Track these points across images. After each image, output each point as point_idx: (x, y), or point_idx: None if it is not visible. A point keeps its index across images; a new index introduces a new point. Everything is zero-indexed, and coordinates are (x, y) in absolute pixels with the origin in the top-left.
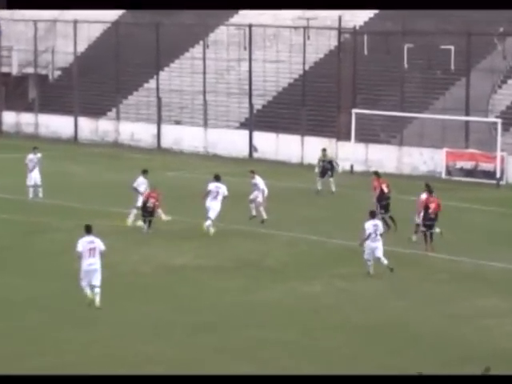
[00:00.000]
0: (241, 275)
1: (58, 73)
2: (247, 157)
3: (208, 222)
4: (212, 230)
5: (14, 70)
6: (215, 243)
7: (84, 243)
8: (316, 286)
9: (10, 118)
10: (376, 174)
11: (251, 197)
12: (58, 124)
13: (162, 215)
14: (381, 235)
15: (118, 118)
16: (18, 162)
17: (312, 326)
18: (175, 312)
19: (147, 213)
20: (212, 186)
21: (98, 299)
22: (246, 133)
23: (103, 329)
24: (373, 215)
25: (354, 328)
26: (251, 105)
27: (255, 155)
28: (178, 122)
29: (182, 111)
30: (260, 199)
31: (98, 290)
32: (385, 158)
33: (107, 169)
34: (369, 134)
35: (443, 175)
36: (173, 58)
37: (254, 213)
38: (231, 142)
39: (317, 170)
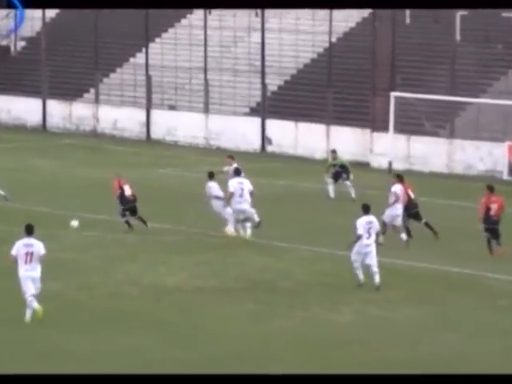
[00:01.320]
0: (250, 299)
1: (21, 44)
2: (259, 151)
3: (248, 225)
4: (249, 232)
5: None
6: (217, 259)
7: (20, 246)
8: (344, 314)
9: None
10: (398, 177)
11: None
12: (21, 108)
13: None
14: (377, 235)
15: (96, 102)
16: None
17: (339, 363)
18: (167, 345)
19: (130, 205)
20: (234, 183)
21: (35, 303)
22: (257, 121)
23: (75, 365)
24: (366, 210)
25: (392, 366)
26: (264, 86)
27: (269, 149)
28: (172, 107)
29: (178, 93)
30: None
31: (34, 299)
32: (431, 153)
33: (83, 164)
34: (411, 123)
35: (505, 175)
36: (166, 26)
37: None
38: (239, 132)
39: (327, 177)
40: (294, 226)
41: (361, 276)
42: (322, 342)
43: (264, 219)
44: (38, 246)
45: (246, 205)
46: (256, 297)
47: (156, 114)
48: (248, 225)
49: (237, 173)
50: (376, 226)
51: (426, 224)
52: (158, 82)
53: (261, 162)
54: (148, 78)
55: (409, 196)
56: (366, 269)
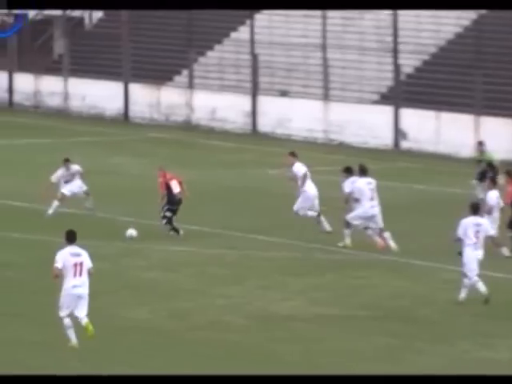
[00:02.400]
0: (381, 331)
1: (98, 15)
2: (391, 147)
3: (387, 234)
4: (394, 246)
5: (32, 12)
6: (341, 281)
7: (66, 256)
8: (499, 351)
9: (25, 83)
10: (509, 173)
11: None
12: (98, 94)
13: None
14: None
15: (190, 86)
16: (36, 151)
17: None
18: None
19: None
20: (362, 184)
21: (85, 322)
22: (389, 110)
23: None
24: (475, 210)
25: None
26: (397, 67)
27: (403, 145)
28: (283, 93)
29: (290, 76)
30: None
31: (85, 319)
32: None
33: (174, 163)
34: None
35: None
36: None
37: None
38: (366, 124)
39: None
40: (434, 241)
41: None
42: None
43: (398, 232)
44: (86, 256)
45: (377, 209)
46: (389, 328)
47: (264, 101)
48: (387, 234)
49: (363, 171)
50: (485, 229)
51: None
52: (265, 62)
53: (393, 161)
54: (254, 57)
55: None
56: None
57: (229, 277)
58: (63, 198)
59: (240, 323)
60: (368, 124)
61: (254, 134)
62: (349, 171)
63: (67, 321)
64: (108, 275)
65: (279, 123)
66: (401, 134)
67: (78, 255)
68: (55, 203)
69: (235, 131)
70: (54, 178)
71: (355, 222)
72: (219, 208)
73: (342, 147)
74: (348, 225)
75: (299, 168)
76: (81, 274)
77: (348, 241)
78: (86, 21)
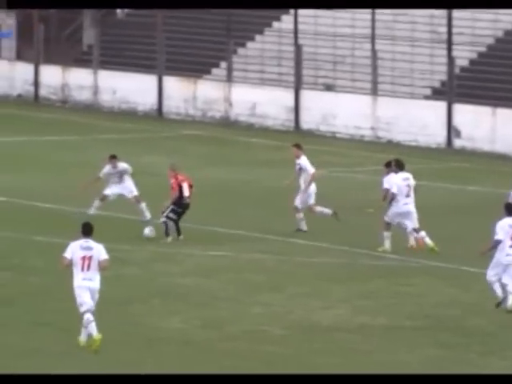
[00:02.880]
0: (430, 342)
1: None
2: (443, 146)
3: (422, 233)
4: (430, 242)
5: None
6: (388, 289)
7: (76, 249)
8: None
9: (51, 76)
10: None
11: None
12: (130, 88)
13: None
14: None
15: (229, 79)
16: (63, 149)
17: None
18: None
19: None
20: (398, 179)
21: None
22: (441, 106)
23: None
24: (510, 210)
25: None
26: (451, 60)
27: (457, 143)
28: (328, 87)
29: (336, 69)
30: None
31: (93, 325)
32: None
33: (211, 162)
34: None
35: None
36: None
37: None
38: (417, 120)
39: None
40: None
41: (498, 291)
42: None
43: (449, 236)
44: (98, 250)
45: (412, 206)
46: (437, 339)
47: (307, 96)
48: (423, 234)
49: (400, 166)
50: None
51: None
52: (310, 53)
53: (446, 160)
54: (297, 48)
55: None
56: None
57: (267, 284)
58: (105, 199)
59: (278, 333)
60: (419, 121)
61: (296, 131)
62: (390, 166)
63: (87, 316)
64: (139, 282)
65: (324, 119)
66: (454, 132)
67: (88, 249)
68: (96, 203)
69: (276, 128)
70: (102, 174)
71: (395, 221)
72: (258, 210)
73: (391, 145)
74: (388, 226)
75: (307, 162)
76: (88, 269)
77: (387, 245)
78: (118, 9)
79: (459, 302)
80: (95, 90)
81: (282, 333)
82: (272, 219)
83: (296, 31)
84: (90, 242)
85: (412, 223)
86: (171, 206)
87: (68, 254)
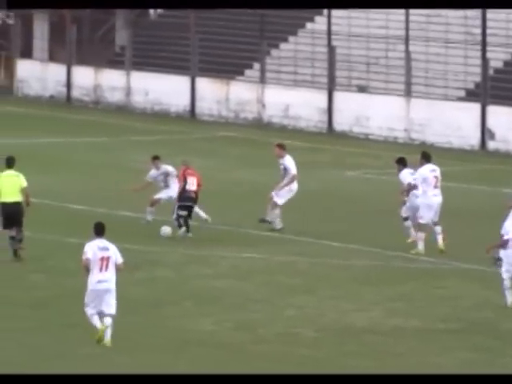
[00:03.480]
0: (464, 345)
1: None
2: (477, 148)
3: (438, 229)
4: (441, 240)
5: None
6: (421, 291)
7: (94, 249)
8: None
9: (84, 77)
10: None
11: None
12: (163, 89)
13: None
14: None
15: (262, 81)
16: (95, 150)
17: None
18: None
19: (188, 203)
20: (426, 171)
21: (109, 334)
22: (475, 108)
23: None
24: None
25: None
26: (485, 61)
27: (491, 145)
28: (362, 89)
29: (370, 70)
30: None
31: (109, 320)
32: None
33: (244, 164)
34: None
35: None
36: None
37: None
38: (451, 122)
39: None
40: None
41: (510, 299)
42: None
43: (483, 238)
44: (114, 251)
45: (440, 198)
46: (472, 342)
47: (341, 97)
48: (438, 229)
49: (426, 157)
50: None
51: None
52: (343, 55)
53: (480, 162)
54: (331, 49)
55: None
56: None
57: (300, 286)
58: (155, 204)
59: (311, 336)
60: (453, 122)
61: (329, 133)
62: (402, 162)
63: (96, 318)
64: (172, 284)
65: (357, 121)
66: (488, 134)
67: (105, 249)
68: (149, 209)
69: (309, 129)
70: (149, 177)
71: (425, 220)
72: (291, 212)
73: (424, 147)
74: (420, 227)
75: (291, 162)
76: (107, 269)
77: (421, 246)
78: (151, 10)
79: (493, 305)
80: (127, 91)
81: (315, 335)
82: (304, 221)
83: (329, 32)
84: (105, 242)
85: (436, 216)
86: (177, 204)
87: (89, 255)
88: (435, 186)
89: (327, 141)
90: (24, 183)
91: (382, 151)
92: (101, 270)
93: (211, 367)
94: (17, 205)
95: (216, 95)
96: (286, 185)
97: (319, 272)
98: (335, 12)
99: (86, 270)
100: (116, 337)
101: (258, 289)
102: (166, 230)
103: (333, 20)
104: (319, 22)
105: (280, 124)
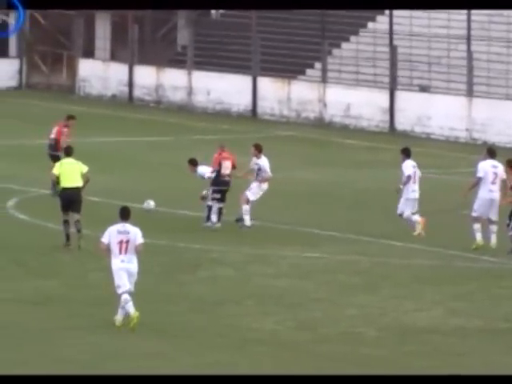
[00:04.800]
0: None
1: None
2: None
3: (494, 227)
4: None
5: None
6: (483, 291)
7: (113, 233)
8: None
9: (146, 77)
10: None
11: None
12: (225, 89)
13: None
14: None
15: (323, 80)
16: (157, 149)
17: None
18: None
19: (224, 187)
20: (487, 165)
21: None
22: None
23: None
24: None
25: None
26: None
27: None
28: (423, 88)
29: (431, 70)
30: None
31: (130, 303)
32: None
33: (305, 164)
34: None
35: None
36: None
37: None
38: None
39: None
40: None
41: None
42: None
43: None
44: (135, 234)
45: (498, 195)
46: None
47: (402, 97)
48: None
49: (491, 153)
50: None
51: None
52: (405, 54)
53: None
54: (392, 49)
55: None
56: None
57: (361, 285)
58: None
59: (373, 335)
60: None
61: (391, 133)
62: (406, 152)
63: (125, 296)
64: (233, 283)
65: (418, 121)
66: None
67: (125, 233)
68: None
69: (371, 129)
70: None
71: (478, 213)
72: (352, 211)
73: (486, 147)
74: (475, 219)
75: (266, 164)
76: (126, 252)
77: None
78: (213, 10)
79: None
80: (189, 90)
81: (377, 334)
82: (366, 220)
83: (391, 32)
84: (127, 226)
85: (494, 214)
86: (212, 188)
87: (105, 239)
88: (493, 182)
89: (388, 140)
90: (84, 169)
91: (443, 151)
92: (120, 252)
93: (273, 366)
94: (76, 190)
95: (277, 95)
96: (262, 182)
97: (380, 271)
98: (397, 11)
99: (104, 252)
100: (178, 336)
101: (318, 288)
102: (150, 204)
103: (394, 19)
104: (381, 22)
105: (341, 123)
